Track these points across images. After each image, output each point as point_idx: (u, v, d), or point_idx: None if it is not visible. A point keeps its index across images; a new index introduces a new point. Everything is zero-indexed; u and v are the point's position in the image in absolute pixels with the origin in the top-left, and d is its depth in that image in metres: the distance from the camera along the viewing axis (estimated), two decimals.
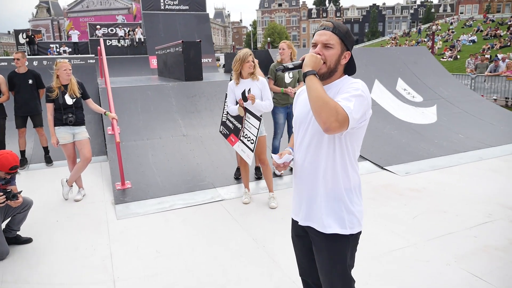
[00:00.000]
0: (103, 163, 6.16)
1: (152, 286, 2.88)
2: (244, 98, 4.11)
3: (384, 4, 72.71)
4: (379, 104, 7.68)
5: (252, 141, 4.03)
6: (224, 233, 3.70)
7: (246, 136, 4.13)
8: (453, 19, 45.06)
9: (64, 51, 22.45)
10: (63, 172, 5.39)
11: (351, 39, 1.69)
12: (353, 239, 1.75)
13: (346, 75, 1.74)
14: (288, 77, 5.04)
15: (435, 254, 3.18)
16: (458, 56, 26.39)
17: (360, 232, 1.77)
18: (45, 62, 8.01)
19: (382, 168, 5.53)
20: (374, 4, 71.39)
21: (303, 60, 1.65)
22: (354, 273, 1.83)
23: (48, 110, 4.46)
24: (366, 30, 69.15)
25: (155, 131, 6.13)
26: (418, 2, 72.27)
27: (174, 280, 2.94)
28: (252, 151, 4.02)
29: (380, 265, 3.05)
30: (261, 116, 4.08)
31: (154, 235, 3.71)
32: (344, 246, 1.74)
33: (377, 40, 53.54)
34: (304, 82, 1.60)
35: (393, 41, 41.73)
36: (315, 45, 1.69)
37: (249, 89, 4.12)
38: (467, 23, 39.90)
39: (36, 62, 8.07)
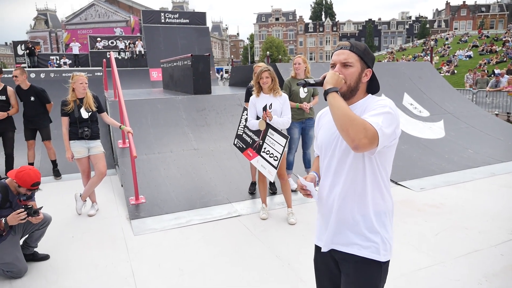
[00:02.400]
0: (112, 177, 6.08)
1: None
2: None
3: (379, 19, 73.87)
4: None
5: (275, 158, 3.98)
6: (247, 251, 3.63)
7: (268, 152, 4.08)
8: (448, 34, 45.83)
9: (65, 63, 22.47)
10: (72, 185, 5.32)
11: (371, 56, 1.65)
12: (386, 266, 1.64)
13: (370, 94, 1.69)
14: (303, 92, 5.03)
15: (465, 273, 3.12)
16: (456, 71, 26.73)
17: (389, 261, 1.66)
18: (52, 75, 7.96)
19: (396, 183, 5.50)
20: (370, 19, 72.53)
21: (324, 78, 1.60)
22: None
23: (63, 124, 4.40)
24: None
25: (166, 145, 6.07)
26: (413, 18, 73.49)
27: None
28: (276, 168, 3.98)
29: (409, 285, 2.99)
30: (287, 135, 4.04)
31: (175, 252, 3.63)
32: (376, 272, 1.63)
33: (374, 55, 54.14)
34: (326, 100, 1.54)
35: (390, 56, 42.23)
36: (333, 66, 1.64)
37: (271, 104, 4.10)
38: (462, 39, 40.57)
39: (43, 74, 8.01)
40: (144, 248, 3.70)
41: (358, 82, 1.62)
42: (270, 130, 4.07)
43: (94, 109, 4.51)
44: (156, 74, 20.72)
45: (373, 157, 1.57)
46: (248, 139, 4.45)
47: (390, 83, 8.97)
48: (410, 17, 74.86)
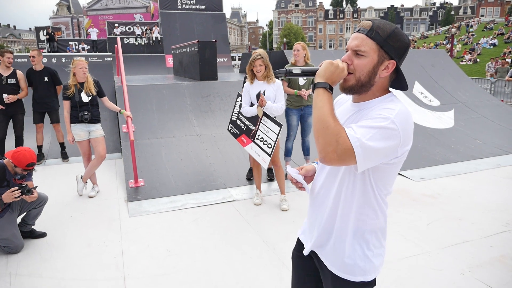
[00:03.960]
0: (117, 161, 6.23)
1: (162, 285, 2.90)
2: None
3: (402, 5, 71.81)
4: None
5: (269, 146, 4.00)
6: (236, 235, 3.70)
7: (261, 139, 4.11)
8: (473, 21, 44.22)
9: (83, 49, 22.85)
10: (78, 168, 5.47)
11: (398, 44, 1.30)
12: (366, 285, 1.46)
13: (391, 94, 1.37)
14: (302, 79, 5.01)
15: (449, 263, 3.11)
16: (478, 60, 25.89)
17: (375, 278, 1.47)
18: (63, 59, 8.14)
19: None
20: (392, 6, 70.63)
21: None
22: None
23: (64, 107, 4.53)
24: None
25: (169, 130, 6.17)
26: (438, 4, 71.10)
27: (184, 280, 2.95)
28: (270, 155, 4.00)
29: (392, 272, 3.00)
30: (281, 123, 4.04)
31: (166, 233, 3.73)
32: None
33: (406, 41, 52.88)
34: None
35: (411, 43, 41.18)
36: (348, 51, 1.37)
37: (264, 91, 4.11)
38: (487, 26, 39.10)
39: (55, 59, 8.20)
40: (137, 230, 3.82)
41: (373, 77, 1.32)
42: (264, 117, 4.08)
43: (94, 93, 4.62)
44: (171, 60, 20.82)
45: (366, 172, 1.33)
46: (242, 125, 4.47)
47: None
48: (434, 4, 72.38)
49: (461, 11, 68.10)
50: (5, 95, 5.80)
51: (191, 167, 5.36)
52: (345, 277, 1.43)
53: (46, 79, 6.12)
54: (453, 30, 38.17)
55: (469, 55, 28.09)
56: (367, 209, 1.39)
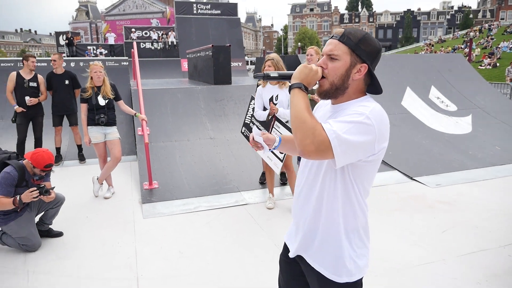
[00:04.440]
0: (132, 163, 6.32)
1: (174, 286, 2.92)
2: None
3: (419, 9, 71.04)
4: (410, 112, 7.48)
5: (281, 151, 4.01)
6: (248, 238, 3.70)
7: None
8: (493, 25, 43.40)
9: (101, 53, 23.28)
10: (95, 169, 5.57)
11: (369, 48, 1.36)
12: (351, 285, 1.47)
13: (367, 96, 1.43)
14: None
15: (465, 272, 3.05)
16: (498, 64, 25.37)
17: (360, 279, 1.49)
18: (81, 64, 8.32)
19: (411, 178, 5.38)
20: (409, 9, 69.86)
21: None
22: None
23: (82, 110, 4.63)
24: (399, 36, 67.68)
25: (184, 133, 6.23)
26: (456, 8, 70.01)
27: (195, 282, 2.97)
28: (281, 161, 4.01)
29: (404, 279, 2.96)
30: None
31: (179, 235, 3.76)
32: None
33: (411, 46, 52.33)
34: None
35: (428, 47, 40.63)
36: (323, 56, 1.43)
37: (277, 95, 4.12)
38: (508, 29, 38.32)
39: (73, 63, 8.39)
40: (151, 231, 3.86)
41: (346, 79, 1.38)
42: (276, 122, 4.09)
43: (111, 97, 4.71)
44: (187, 64, 21.07)
45: (346, 169, 1.37)
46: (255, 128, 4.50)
47: (417, 76, 8.69)
48: (452, 7, 71.34)
49: (480, 15, 66.90)
50: (27, 98, 5.96)
51: (205, 170, 5.40)
52: (331, 278, 1.45)
53: (66, 82, 6.28)
54: (471, 34, 37.51)
55: (488, 59, 27.56)
56: (348, 208, 1.43)
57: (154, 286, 2.93)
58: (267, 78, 1.49)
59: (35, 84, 6.12)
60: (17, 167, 3.31)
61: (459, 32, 51.62)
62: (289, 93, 1.37)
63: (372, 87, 1.45)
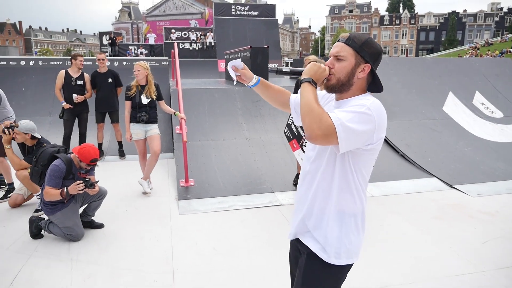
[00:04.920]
0: (169, 160, 6.51)
1: (208, 282, 3.00)
2: None
3: (465, 11, 68.02)
4: (452, 118, 7.22)
5: None
6: (280, 238, 3.72)
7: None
8: None
9: (141, 53, 24.10)
10: (134, 165, 5.80)
11: (371, 50, 1.52)
12: (337, 270, 1.57)
13: (367, 93, 1.58)
14: None
15: (506, 285, 2.92)
16: None
17: (349, 266, 1.59)
18: (124, 63, 8.66)
19: (451, 186, 5.19)
20: (454, 11, 67.05)
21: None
22: None
23: (126, 107, 4.84)
24: (443, 39, 65.12)
25: (220, 133, 6.35)
26: (505, 9, 66.42)
27: (228, 279, 3.04)
28: None
29: None
30: None
31: (213, 233, 3.85)
32: (322, 272, 1.58)
33: (455, 50, 50.33)
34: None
35: (473, 51, 38.90)
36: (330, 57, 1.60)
37: None
38: None
39: (117, 62, 8.75)
40: (186, 227, 3.98)
41: (351, 77, 1.53)
42: None
43: (154, 97, 4.87)
44: (223, 65, 21.40)
45: (346, 157, 1.50)
46: (294, 129, 4.53)
47: (461, 80, 8.38)
48: (501, 9, 67.71)
49: None
50: (74, 95, 6.29)
51: (239, 170, 5.48)
52: (319, 254, 1.57)
53: (110, 80, 6.57)
54: None
55: None
56: (347, 193, 1.55)
57: (189, 280, 3.02)
58: (280, 73, 1.62)
59: (81, 82, 6.44)
60: (65, 160, 3.52)
61: (508, 35, 49.00)
62: (299, 87, 1.52)
63: (373, 85, 1.60)
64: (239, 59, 1.82)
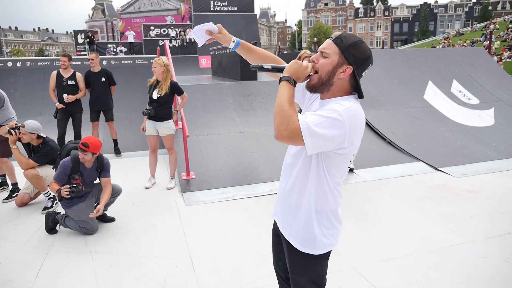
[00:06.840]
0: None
1: (225, 263, 3.22)
2: None
3: (436, 2, 69.75)
4: (433, 106, 7.63)
5: None
6: None
7: None
8: None
9: (121, 51, 23.82)
10: (130, 162, 5.94)
11: (357, 54, 1.51)
12: (313, 259, 1.69)
13: (350, 96, 1.57)
14: None
15: (494, 252, 3.27)
16: None
17: (327, 253, 1.71)
18: (113, 62, 8.69)
19: (436, 169, 5.57)
20: (425, 2, 68.68)
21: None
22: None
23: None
24: (416, 30, 66.71)
25: (214, 127, 6.53)
26: (474, 0, 68.56)
27: (244, 260, 3.26)
28: None
29: (438, 259, 3.19)
30: None
31: (221, 220, 4.06)
32: (301, 261, 1.71)
33: (428, 40, 51.63)
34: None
35: (445, 41, 40.11)
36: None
37: None
38: None
39: (105, 61, 8.76)
40: (194, 217, 4.18)
41: (331, 76, 1.53)
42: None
43: (164, 94, 4.94)
44: (205, 61, 21.42)
45: (320, 157, 1.56)
46: None
47: (439, 69, 8.81)
48: None
49: (499, 6, 65.44)
50: (65, 95, 6.33)
51: (237, 161, 5.69)
52: (296, 246, 1.69)
53: (103, 79, 6.64)
54: (491, 26, 36.85)
55: (508, 52, 27.15)
56: (320, 191, 1.62)
57: (207, 263, 3.24)
58: (261, 69, 1.65)
59: (73, 82, 6.47)
60: (73, 158, 3.67)
61: (477, 24, 50.68)
62: (279, 83, 1.54)
63: (357, 90, 1.59)
64: (211, 22, 1.82)
